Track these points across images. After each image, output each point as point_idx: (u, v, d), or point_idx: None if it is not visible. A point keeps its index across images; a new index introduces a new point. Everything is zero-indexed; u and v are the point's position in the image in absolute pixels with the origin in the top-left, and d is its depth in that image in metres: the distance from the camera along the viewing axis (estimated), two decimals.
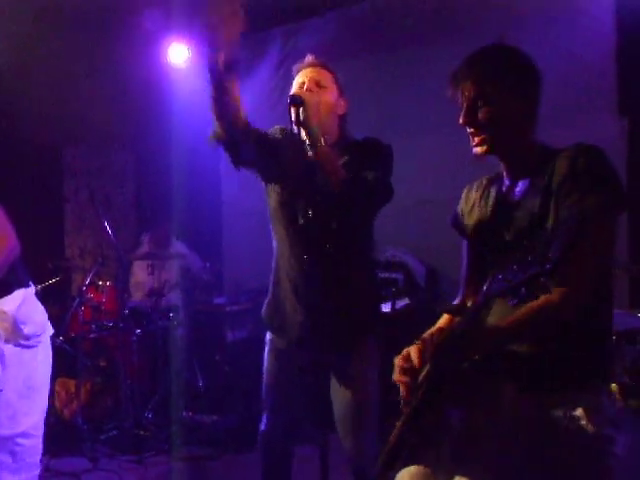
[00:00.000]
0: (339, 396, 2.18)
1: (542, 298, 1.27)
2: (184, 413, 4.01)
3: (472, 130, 1.51)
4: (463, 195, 1.72)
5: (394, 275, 3.62)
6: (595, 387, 1.41)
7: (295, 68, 2.24)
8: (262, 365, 2.35)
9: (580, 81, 3.46)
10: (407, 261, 3.74)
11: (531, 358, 1.40)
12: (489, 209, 1.59)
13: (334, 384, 2.20)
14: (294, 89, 2.18)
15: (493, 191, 1.62)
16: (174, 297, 4.62)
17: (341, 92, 2.21)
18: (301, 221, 2.07)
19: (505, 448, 1.38)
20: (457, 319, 1.42)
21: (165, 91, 4.93)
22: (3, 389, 2.33)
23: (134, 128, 5.28)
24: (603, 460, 1.34)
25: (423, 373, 1.48)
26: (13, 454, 2.39)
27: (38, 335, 2.49)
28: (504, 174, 1.60)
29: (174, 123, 4.85)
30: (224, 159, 2.15)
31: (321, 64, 2.20)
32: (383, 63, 4.36)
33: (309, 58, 2.22)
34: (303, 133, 1.90)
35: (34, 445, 2.48)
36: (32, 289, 2.53)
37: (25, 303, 2.45)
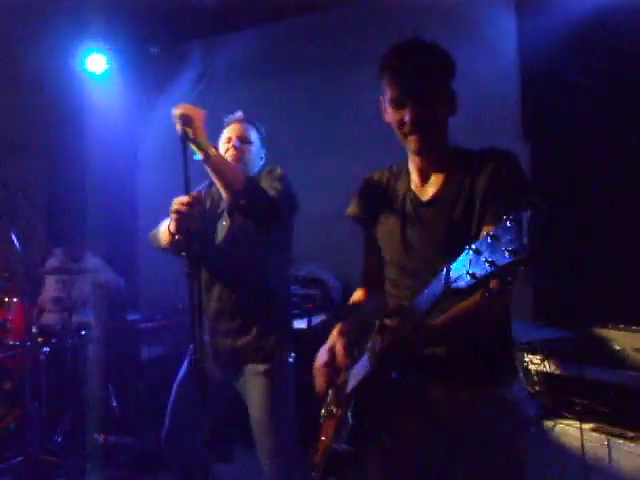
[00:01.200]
0: (251, 414, 2.25)
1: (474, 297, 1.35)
2: (96, 435, 3.85)
3: (411, 129, 1.51)
4: (362, 184, 1.74)
5: (311, 291, 3.66)
6: (511, 379, 1.56)
7: (225, 121, 2.43)
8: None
9: (486, 107, 3.67)
10: (324, 277, 3.80)
11: (457, 360, 1.49)
12: (398, 206, 1.61)
13: (247, 402, 2.27)
14: (221, 142, 2.38)
15: (400, 187, 1.64)
16: (87, 314, 4.44)
17: (263, 144, 2.43)
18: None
19: (438, 447, 1.49)
20: (395, 318, 1.42)
21: (82, 100, 4.78)
22: None
23: (47, 138, 5.08)
24: (526, 435, 1.57)
25: (347, 387, 1.54)
26: None
27: None
28: (411, 168, 1.62)
29: (90, 134, 4.71)
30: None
31: (246, 120, 2.41)
32: (299, 82, 4.43)
33: (238, 114, 2.41)
34: (194, 147, 1.97)
35: None
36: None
37: None
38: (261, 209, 2.09)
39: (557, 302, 3.44)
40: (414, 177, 1.62)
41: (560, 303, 3.41)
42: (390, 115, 1.56)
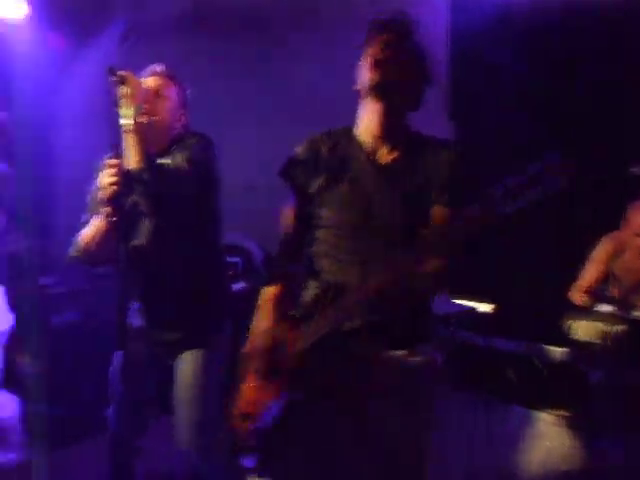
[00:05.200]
0: (176, 389, 2.20)
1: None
2: None
3: (381, 88, 1.60)
4: (305, 147, 1.74)
5: (233, 259, 3.64)
6: (432, 335, 1.73)
7: (141, 75, 2.25)
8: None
9: None
10: (247, 245, 3.80)
11: (395, 324, 1.60)
12: (357, 169, 1.65)
13: (175, 375, 2.21)
14: None
15: (356, 152, 1.67)
16: None
17: (184, 105, 2.26)
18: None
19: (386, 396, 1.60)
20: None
21: None
22: None
23: None
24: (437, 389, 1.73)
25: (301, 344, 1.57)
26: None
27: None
28: (364, 135, 1.67)
29: (5, 84, 4.42)
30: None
31: (165, 74, 2.23)
32: (231, 44, 4.32)
33: (154, 67, 2.25)
34: (123, 109, 1.93)
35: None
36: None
37: None
38: (156, 193, 2.01)
39: (471, 276, 3.58)
40: (368, 143, 1.68)
41: (474, 277, 3.55)
42: (366, 74, 1.61)
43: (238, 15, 4.28)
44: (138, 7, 4.48)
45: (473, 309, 2.81)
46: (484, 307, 2.77)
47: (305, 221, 1.74)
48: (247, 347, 1.74)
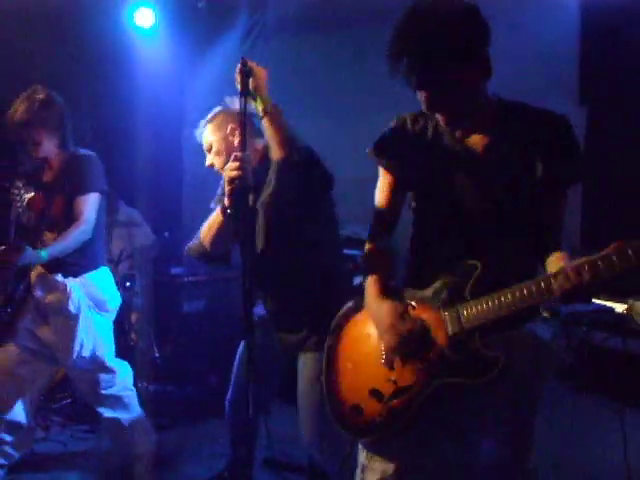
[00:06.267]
0: (300, 386, 2.21)
1: None
2: (139, 383, 3.98)
3: (430, 110, 1.52)
4: (396, 125, 1.69)
5: (353, 251, 3.63)
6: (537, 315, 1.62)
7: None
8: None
9: (545, 70, 3.52)
10: (366, 237, 3.77)
11: None
12: (439, 155, 1.59)
13: (299, 372, 2.22)
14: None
15: (444, 136, 1.60)
16: (130, 266, 4.55)
17: (255, 134, 2.22)
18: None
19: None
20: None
21: (129, 55, 4.80)
22: (98, 353, 2.70)
23: (95, 92, 5.13)
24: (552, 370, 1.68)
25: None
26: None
27: (116, 307, 2.81)
28: (439, 119, 1.58)
29: (137, 88, 4.74)
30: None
31: (210, 123, 2.26)
32: (353, 40, 4.33)
33: (201, 123, 2.29)
34: (256, 102, 1.94)
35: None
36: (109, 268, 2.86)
37: (108, 278, 2.78)
38: (313, 170, 2.00)
39: None
40: (445, 126, 1.58)
41: None
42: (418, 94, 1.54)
43: (349, 13, 4.28)
44: (258, 8, 4.61)
45: (610, 309, 2.60)
46: (621, 307, 2.56)
47: (396, 200, 1.72)
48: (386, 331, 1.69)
